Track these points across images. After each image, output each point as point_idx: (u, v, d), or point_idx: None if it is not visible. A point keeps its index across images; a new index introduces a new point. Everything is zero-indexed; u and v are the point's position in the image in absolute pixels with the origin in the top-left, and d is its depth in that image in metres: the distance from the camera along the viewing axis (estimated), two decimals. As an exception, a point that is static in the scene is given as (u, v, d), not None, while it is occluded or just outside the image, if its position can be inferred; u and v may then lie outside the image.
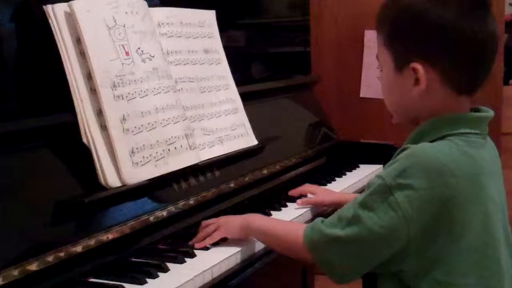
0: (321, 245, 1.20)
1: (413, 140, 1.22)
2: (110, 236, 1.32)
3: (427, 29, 1.15)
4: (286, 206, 1.73)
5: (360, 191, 2.00)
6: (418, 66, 1.17)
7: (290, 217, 1.63)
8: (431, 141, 1.19)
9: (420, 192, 1.11)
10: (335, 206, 1.74)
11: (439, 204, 1.11)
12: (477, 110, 1.24)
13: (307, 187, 1.81)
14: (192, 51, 1.75)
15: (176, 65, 1.67)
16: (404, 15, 1.18)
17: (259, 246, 1.47)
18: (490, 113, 1.23)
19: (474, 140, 1.19)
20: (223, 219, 1.46)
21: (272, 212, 1.67)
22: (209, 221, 1.48)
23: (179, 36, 1.72)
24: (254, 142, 1.85)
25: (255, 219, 1.42)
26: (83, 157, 1.35)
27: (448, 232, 1.13)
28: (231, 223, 1.43)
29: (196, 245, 1.40)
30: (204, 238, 1.43)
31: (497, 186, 1.21)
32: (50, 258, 1.19)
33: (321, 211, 1.74)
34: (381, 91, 1.30)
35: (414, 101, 1.21)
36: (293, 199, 1.77)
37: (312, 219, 1.70)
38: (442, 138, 1.18)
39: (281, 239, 1.33)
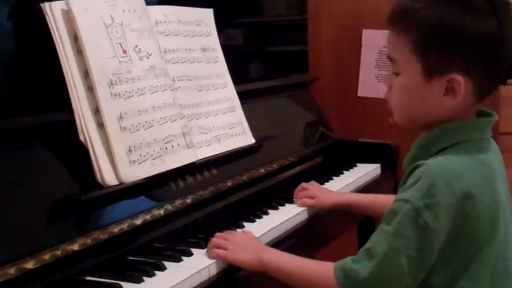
0: None
1: (422, 147, 1.22)
2: (107, 234, 1.32)
3: (470, 43, 1.13)
4: (283, 205, 1.73)
5: (357, 190, 2.01)
6: (459, 78, 1.15)
7: (288, 216, 1.63)
8: (442, 149, 1.19)
9: (446, 208, 1.12)
10: (335, 208, 1.73)
11: (462, 216, 1.13)
12: (480, 111, 1.24)
13: (306, 193, 1.74)
14: (190, 50, 1.74)
15: (173, 63, 1.67)
16: (442, 27, 1.14)
17: (256, 245, 1.47)
18: (495, 116, 1.24)
19: (483, 146, 1.20)
20: (235, 243, 1.35)
21: (269, 211, 1.67)
22: (222, 234, 1.40)
23: (177, 35, 1.72)
24: (252, 140, 1.85)
25: (269, 256, 1.32)
26: (80, 155, 1.35)
27: (472, 240, 1.14)
28: (243, 254, 1.33)
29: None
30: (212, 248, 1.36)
31: (505, 188, 1.23)
32: (46, 256, 1.19)
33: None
34: (389, 93, 1.26)
35: (435, 110, 1.19)
36: (290, 199, 1.77)
37: (309, 219, 1.71)
38: (452, 146, 1.18)
39: (308, 282, 1.26)
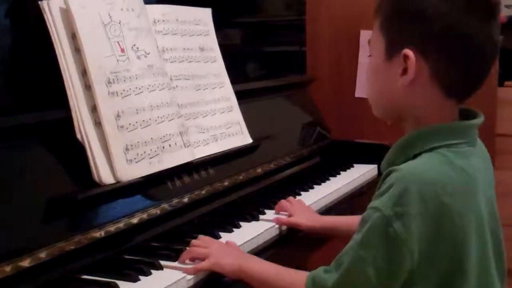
0: None
1: (399, 150, 1.17)
2: (103, 233, 1.32)
3: (427, 19, 1.11)
4: (280, 205, 1.73)
5: (354, 191, 2.02)
6: (410, 53, 1.11)
7: (285, 216, 1.63)
8: (418, 154, 1.13)
9: (417, 217, 1.05)
10: (313, 231, 1.64)
11: (436, 227, 1.07)
12: (466, 112, 1.19)
13: (283, 204, 1.69)
14: (188, 49, 1.74)
15: (171, 62, 1.67)
16: (403, 2, 1.14)
17: (251, 245, 1.47)
18: (480, 118, 1.18)
19: (462, 150, 1.14)
20: (215, 249, 1.33)
21: (266, 210, 1.67)
22: (199, 242, 1.37)
23: (175, 34, 1.72)
24: (249, 140, 1.85)
25: (249, 265, 1.30)
26: (76, 153, 1.35)
27: (449, 255, 1.09)
28: (223, 261, 1.31)
29: (182, 270, 1.29)
30: (190, 258, 1.33)
31: (486, 194, 1.16)
32: (43, 255, 1.19)
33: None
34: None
35: (396, 93, 1.15)
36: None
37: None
38: (429, 150, 1.13)
39: None
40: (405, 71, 1.13)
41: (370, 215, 1.10)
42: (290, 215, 1.64)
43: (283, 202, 1.70)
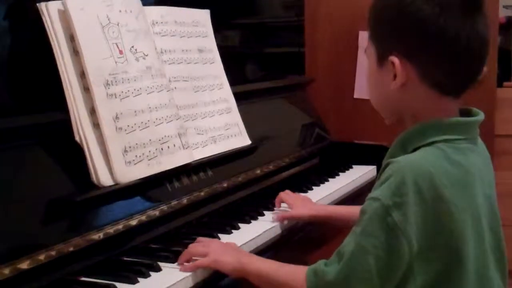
0: None
1: (398, 145, 1.18)
2: (102, 235, 1.31)
3: (406, 22, 1.13)
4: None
5: (353, 192, 2.02)
6: (395, 60, 1.14)
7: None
8: (417, 148, 1.15)
9: (415, 208, 1.07)
10: (315, 220, 1.68)
11: (434, 218, 1.08)
12: (467, 111, 1.20)
13: (283, 196, 1.72)
14: (186, 50, 1.74)
15: (170, 64, 1.67)
16: (386, 8, 1.17)
17: (250, 247, 1.47)
18: (480, 116, 1.19)
19: (462, 146, 1.15)
20: (214, 248, 1.34)
21: (265, 212, 1.67)
22: (197, 244, 1.38)
23: (173, 35, 1.72)
24: (248, 142, 1.85)
25: (250, 261, 1.30)
26: (75, 155, 1.35)
27: (447, 246, 1.10)
28: (223, 258, 1.31)
29: (181, 268, 1.31)
30: (189, 259, 1.33)
31: (485, 192, 1.17)
32: (41, 257, 1.18)
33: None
34: None
35: (392, 97, 1.18)
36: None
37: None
38: (427, 144, 1.14)
39: (281, 283, 1.25)
40: (395, 76, 1.15)
41: (370, 205, 1.11)
42: (290, 208, 1.67)
43: (281, 193, 1.72)
